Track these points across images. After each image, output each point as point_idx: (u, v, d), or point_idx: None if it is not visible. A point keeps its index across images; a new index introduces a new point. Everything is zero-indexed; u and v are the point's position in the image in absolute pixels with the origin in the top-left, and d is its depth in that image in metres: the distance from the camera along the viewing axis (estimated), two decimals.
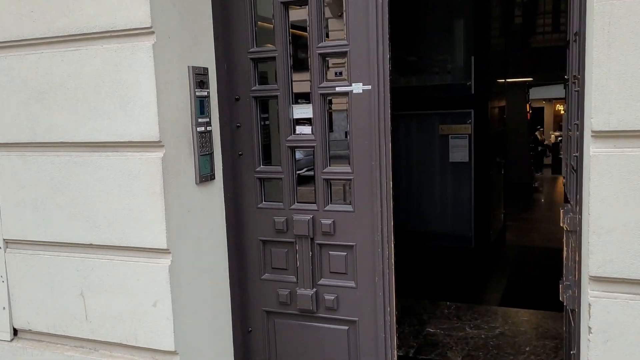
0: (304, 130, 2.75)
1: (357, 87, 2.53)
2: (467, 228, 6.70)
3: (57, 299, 2.65)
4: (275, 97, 2.73)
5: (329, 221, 2.67)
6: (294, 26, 2.87)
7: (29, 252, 2.71)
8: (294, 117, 2.74)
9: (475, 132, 6.45)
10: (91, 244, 2.54)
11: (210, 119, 2.66)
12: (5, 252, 2.76)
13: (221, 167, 2.78)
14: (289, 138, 2.73)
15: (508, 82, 9.07)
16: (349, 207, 2.65)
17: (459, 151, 6.60)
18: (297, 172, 2.80)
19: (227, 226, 2.82)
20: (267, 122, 3.06)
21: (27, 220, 2.66)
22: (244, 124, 2.81)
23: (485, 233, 6.77)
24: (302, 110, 2.72)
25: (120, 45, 2.35)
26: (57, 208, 2.58)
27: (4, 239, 2.75)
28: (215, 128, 2.72)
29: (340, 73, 2.62)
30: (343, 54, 2.57)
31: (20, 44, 2.54)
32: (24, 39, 2.52)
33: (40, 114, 2.54)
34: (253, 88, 2.77)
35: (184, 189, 2.49)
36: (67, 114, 2.48)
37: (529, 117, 13.85)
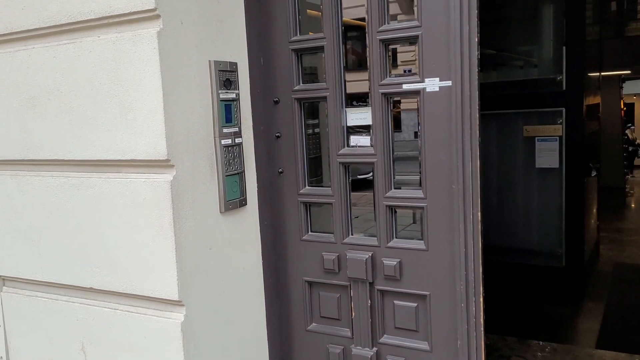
0: (361, 140, 2.11)
1: (432, 84, 1.86)
2: (557, 244, 5.79)
3: (56, 352, 2.15)
4: (324, 98, 2.10)
5: (394, 262, 2.01)
6: (348, 15, 2.25)
7: (25, 292, 2.23)
8: (348, 124, 2.10)
9: (567, 133, 5.54)
10: (92, 288, 2.02)
11: (240, 128, 2.07)
12: (1, 291, 2.29)
13: (255, 190, 2.19)
14: (341, 152, 2.10)
15: (602, 75, 7.99)
16: (420, 244, 1.98)
17: (548, 155, 5.71)
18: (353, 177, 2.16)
19: (263, 264, 2.23)
20: (315, 131, 2.44)
21: (22, 254, 2.18)
22: (284, 133, 2.20)
23: (578, 249, 5.82)
24: (358, 115, 2.08)
25: (120, 35, 1.80)
26: (53, 241, 2.07)
27: (0, 276, 2.29)
28: (248, 140, 2.13)
29: (410, 70, 1.91)
30: (413, 40, 1.91)
31: (10, 39, 2.06)
32: (13, 31, 2.03)
33: (33, 124, 2.04)
34: (296, 88, 2.16)
35: (203, 220, 1.91)
36: (62, 124, 1.97)
37: (622, 115, 12.48)
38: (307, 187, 2.23)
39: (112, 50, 1.81)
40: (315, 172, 2.36)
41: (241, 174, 2.08)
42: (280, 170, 2.24)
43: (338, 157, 2.11)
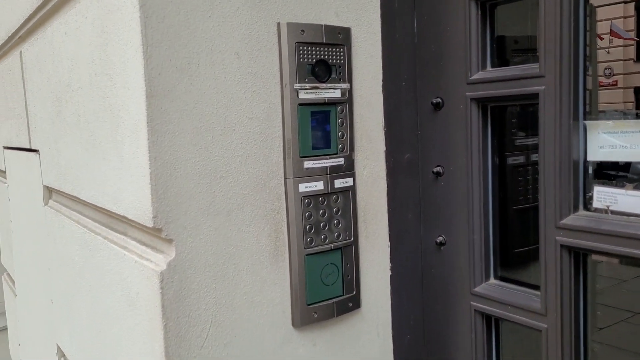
0: (628, 199, 0.88)
1: None
2: None
3: None
4: (532, 96, 0.92)
5: None
6: None
7: None
8: (592, 157, 0.89)
9: None
10: None
11: (350, 156, 1.04)
12: None
13: (385, 278, 1.12)
14: (566, 222, 0.90)
15: None
16: None
17: None
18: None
19: None
20: (522, 161, 1.25)
21: None
22: (451, 166, 1.09)
23: None
24: (622, 140, 0.85)
25: None
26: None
27: None
28: (371, 179, 1.09)
29: None
30: None
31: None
32: None
33: (58, 139, 1.34)
34: (474, 76, 1.02)
35: (244, 347, 0.94)
36: (74, 138, 1.22)
37: None
38: (491, 280, 1.08)
39: (100, 14, 0.97)
40: (519, 248, 1.18)
41: (349, 249, 1.05)
42: (439, 240, 1.13)
43: (558, 232, 0.91)
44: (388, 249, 1.13)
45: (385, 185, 1.12)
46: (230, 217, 0.91)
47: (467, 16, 1.02)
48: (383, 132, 1.11)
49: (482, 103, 1.03)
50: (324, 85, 0.99)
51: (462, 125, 1.06)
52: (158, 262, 0.88)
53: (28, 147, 1.76)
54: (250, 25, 0.92)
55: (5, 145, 2.24)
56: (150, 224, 0.85)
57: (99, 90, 1.03)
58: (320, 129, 1.00)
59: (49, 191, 1.59)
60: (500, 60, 1.14)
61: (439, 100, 1.10)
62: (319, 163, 0.99)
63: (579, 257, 0.92)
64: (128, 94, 0.88)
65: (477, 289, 1.07)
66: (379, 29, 1.09)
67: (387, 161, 1.12)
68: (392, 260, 1.14)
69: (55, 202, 1.55)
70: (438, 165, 1.12)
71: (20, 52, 1.69)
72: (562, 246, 0.91)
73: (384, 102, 1.10)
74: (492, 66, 1.03)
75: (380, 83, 1.10)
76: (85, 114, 1.13)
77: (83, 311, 1.30)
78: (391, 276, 1.14)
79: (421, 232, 1.17)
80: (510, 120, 1.23)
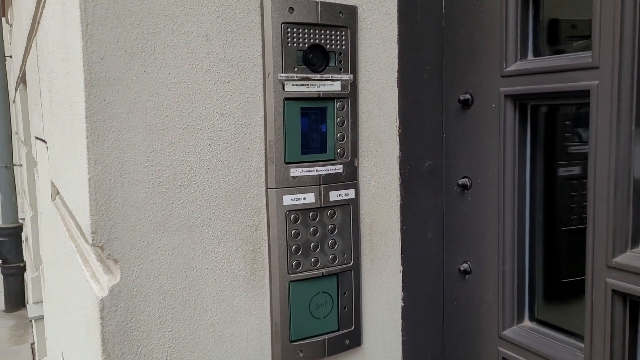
0: None
1: None
2: None
3: None
4: (583, 94, 0.70)
5: None
6: None
7: None
8: None
9: None
10: None
11: (353, 163, 0.85)
12: None
13: (395, 311, 0.93)
14: (619, 260, 0.67)
15: None
16: None
17: None
18: None
19: None
20: (570, 172, 1.01)
21: None
22: (479, 178, 0.88)
23: None
24: None
25: None
26: None
27: None
28: (379, 190, 0.90)
29: None
30: None
31: None
32: None
33: None
34: (510, 68, 0.81)
35: None
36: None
37: None
38: (524, 322, 0.87)
39: None
40: (565, 282, 0.95)
41: (347, 275, 0.87)
42: (463, 267, 0.93)
43: (610, 272, 0.69)
44: (400, 275, 0.94)
45: (399, 199, 0.93)
46: (193, 233, 0.75)
47: None
48: (397, 133, 0.91)
49: (519, 101, 0.81)
50: (317, 76, 0.80)
51: (495, 127, 0.85)
52: (103, 285, 0.73)
53: (42, 137, 1.68)
54: (224, 1, 0.75)
55: (35, 135, 2.20)
56: (88, 241, 0.70)
57: (63, 78, 0.89)
58: (313, 129, 0.82)
59: (54, 186, 1.50)
60: (552, 49, 0.91)
61: (467, 96, 0.89)
62: (309, 171, 0.81)
63: (637, 307, 0.70)
64: (74, 82, 0.74)
65: (507, 332, 0.86)
66: (395, 7, 0.89)
67: (401, 169, 0.92)
68: (404, 288, 0.95)
69: (58, 199, 1.45)
70: (464, 177, 0.91)
71: (35, 39, 1.61)
72: (614, 291, 0.69)
73: (399, 98, 0.91)
74: (535, 55, 0.81)
75: (395, 74, 0.90)
76: (59, 104, 1.00)
77: (64, 320, 1.19)
78: (403, 307, 0.95)
79: (443, 256, 0.96)
80: (563, 122, 1.00)
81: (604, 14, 0.67)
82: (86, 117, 0.68)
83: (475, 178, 0.90)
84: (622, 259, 0.68)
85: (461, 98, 0.90)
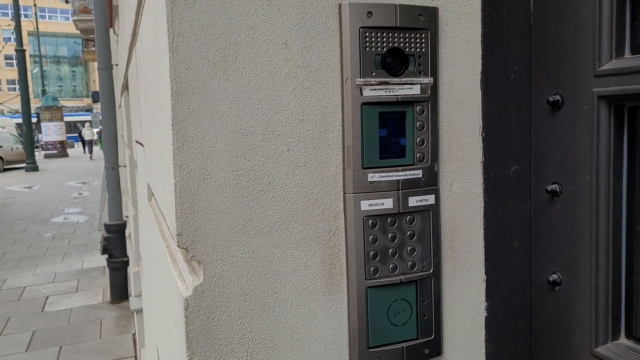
0: None
1: None
2: None
3: None
4: None
5: None
6: None
7: None
8: None
9: None
10: None
11: (433, 168, 0.84)
12: None
13: (479, 325, 0.90)
14: None
15: None
16: None
17: None
18: None
19: None
20: None
21: None
22: (570, 184, 0.83)
23: None
24: None
25: None
26: None
27: None
28: (462, 196, 0.87)
29: None
30: None
31: None
32: None
33: None
34: (604, 67, 0.75)
35: None
36: None
37: None
38: (620, 339, 0.81)
39: None
40: None
41: (427, 282, 0.85)
42: (553, 278, 0.88)
43: None
44: (484, 284, 0.91)
45: (482, 205, 0.89)
46: (272, 237, 0.77)
47: None
48: (480, 137, 0.88)
49: (614, 102, 0.76)
50: (396, 79, 0.79)
51: (588, 131, 0.79)
52: (188, 285, 0.76)
53: (141, 141, 1.79)
54: (303, 8, 0.76)
55: (136, 139, 2.34)
56: (175, 242, 0.74)
57: (155, 86, 0.94)
58: (391, 133, 0.81)
59: (150, 188, 1.59)
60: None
61: (557, 98, 0.84)
62: (387, 176, 0.81)
63: None
64: (163, 91, 0.78)
65: (600, 350, 0.81)
66: (479, 6, 0.86)
67: (485, 174, 0.89)
68: (488, 298, 0.91)
69: (153, 200, 1.54)
70: (554, 182, 0.86)
71: (135, 49, 1.72)
72: None
73: (483, 100, 0.87)
74: (633, 53, 0.75)
75: (479, 76, 0.87)
76: (152, 111, 1.06)
77: (158, 315, 1.26)
78: (487, 318, 0.91)
79: (530, 265, 0.92)
80: None
81: None
82: (172, 125, 0.71)
83: (566, 184, 0.84)
84: None
85: (550, 99, 0.85)
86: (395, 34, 0.79)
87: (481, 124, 0.88)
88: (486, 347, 0.92)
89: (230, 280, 0.75)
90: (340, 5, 0.77)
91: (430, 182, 0.84)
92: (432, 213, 0.84)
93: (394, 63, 0.79)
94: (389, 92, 0.79)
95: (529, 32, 0.88)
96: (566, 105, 0.83)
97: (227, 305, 0.75)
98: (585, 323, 0.83)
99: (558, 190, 0.86)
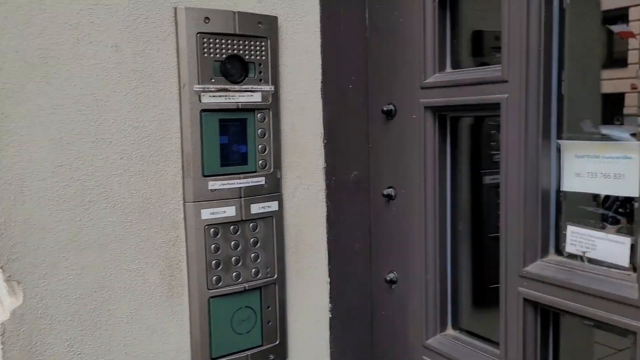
0: (609, 246, 0.66)
1: None
2: None
3: None
4: (493, 106, 0.71)
5: None
6: None
7: None
8: (567, 187, 0.68)
9: None
10: None
11: (275, 175, 0.84)
12: None
13: (323, 323, 0.92)
14: (530, 269, 0.68)
15: None
16: None
17: None
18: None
19: None
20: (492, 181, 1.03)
21: None
22: (404, 188, 0.89)
23: None
24: (604, 165, 0.64)
25: None
26: None
27: None
28: (304, 202, 0.89)
29: None
30: None
31: None
32: None
33: None
34: (428, 79, 0.81)
35: None
36: None
37: None
38: (447, 330, 0.88)
39: None
40: (489, 289, 0.96)
41: (271, 289, 0.85)
42: (390, 277, 0.93)
43: (521, 281, 0.70)
44: (327, 286, 0.93)
45: (325, 210, 0.92)
46: (104, 252, 0.72)
47: (422, 4, 0.81)
48: (322, 144, 0.90)
49: (438, 112, 0.82)
50: (236, 87, 0.79)
51: (416, 138, 0.85)
52: (5, 307, 0.69)
53: None
54: (134, 10, 0.72)
55: None
56: None
57: None
58: (232, 141, 0.80)
59: None
60: (475, 60, 0.93)
61: (390, 107, 0.89)
62: (229, 183, 0.80)
63: (547, 314, 0.71)
64: None
65: (430, 342, 0.87)
66: (318, 18, 0.88)
67: (327, 180, 0.92)
68: (332, 299, 0.94)
69: None
70: (390, 187, 0.91)
71: None
72: (525, 300, 0.70)
73: (324, 109, 0.90)
74: (454, 67, 0.82)
75: (319, 85, 0.89)
76: None
77: None
78: (331, 319, 0.94)
79: (370, 266, 0.96)
80: (488, 132, 1.02)
81: (511, 28, 0.68)
82: None
83: (400, 188, 0.90)
84: (533, 268, 0.69)
85: (385, 109, 0.90)
86: (235, 41, 0.78)
87: (322, 132, 0.90)
88: (331, 348, 0.95)
89: (55, 300, 0.69)
90: (175, 9, 0.75)
91: (273, 189, 0.84)
92: (276, 219, 0.85)
93: (233, 70, 0.79)
94: (229, 99, 0.78)
95: (365, 45, 0.92)
96: (398, 115, 0.88)
97: (52, 328, 0.69)
98: (418, 318, 0.89)
99: (393, 194, 0.91)
